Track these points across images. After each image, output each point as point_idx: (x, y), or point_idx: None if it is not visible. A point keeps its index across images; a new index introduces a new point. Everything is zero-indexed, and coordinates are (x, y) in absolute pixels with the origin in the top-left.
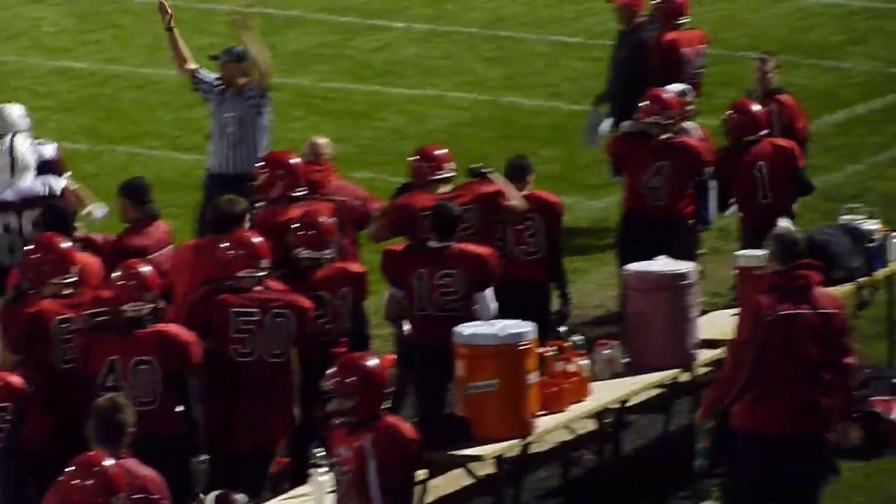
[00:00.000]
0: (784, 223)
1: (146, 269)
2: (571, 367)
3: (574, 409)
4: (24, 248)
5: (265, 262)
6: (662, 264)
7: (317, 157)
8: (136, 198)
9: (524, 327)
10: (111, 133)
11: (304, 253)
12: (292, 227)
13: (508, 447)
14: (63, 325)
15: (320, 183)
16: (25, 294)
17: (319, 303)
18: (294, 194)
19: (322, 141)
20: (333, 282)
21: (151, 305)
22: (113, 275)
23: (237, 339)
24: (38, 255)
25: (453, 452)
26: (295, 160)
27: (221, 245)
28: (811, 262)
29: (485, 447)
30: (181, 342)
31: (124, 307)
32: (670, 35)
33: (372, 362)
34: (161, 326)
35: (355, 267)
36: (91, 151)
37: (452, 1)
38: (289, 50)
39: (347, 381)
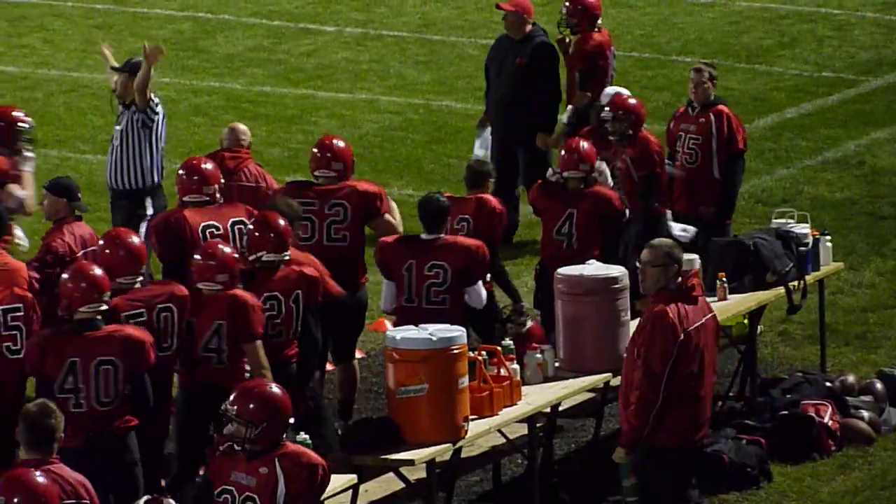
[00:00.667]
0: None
1: (98, 271)
2: (503, 371)
3: (505, 414)
4: None
5: (143, 269)
6: (594, 269)
7: (236, 143)
8: (67, 196)
9: (455, 332)
10: (42, 137)
11: (265, 256)
12: (248, 229)
13: (440, 451)
14: None
15: (234, 171)
16: None
17: (275, 304)
18: (197, 199)
19: (241, 127)
20: (288, 284)
21: (105, 307)
22: (64, 277)
23: None
24: None
25: (385, 457)
26: (207, 165)
27: (102, 244)
28: (695, 271)
29: (416, 451)
30: (143, 342)
31: (81, 309)
32: (596, 38)
33: (277, 390)
34: (118, 327)
35: (310, 271)
36: None
37: (383, 5)
38: (220, 54)
39: (253, 408)
